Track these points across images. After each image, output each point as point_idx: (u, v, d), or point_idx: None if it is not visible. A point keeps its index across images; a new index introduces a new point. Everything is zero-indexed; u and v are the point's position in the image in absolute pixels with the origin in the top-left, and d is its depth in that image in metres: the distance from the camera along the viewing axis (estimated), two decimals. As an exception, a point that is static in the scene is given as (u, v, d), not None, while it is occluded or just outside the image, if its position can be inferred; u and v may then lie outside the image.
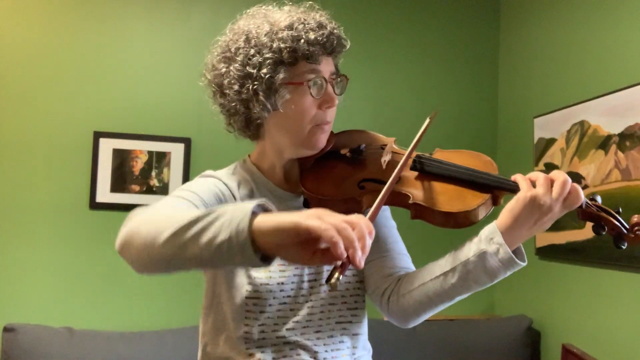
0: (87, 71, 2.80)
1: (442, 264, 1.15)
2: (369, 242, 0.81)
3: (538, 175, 1.07)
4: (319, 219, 0.79)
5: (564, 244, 2.59)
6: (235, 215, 0.83)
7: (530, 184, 1.07)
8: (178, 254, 0.88)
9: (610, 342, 2.35)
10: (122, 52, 2.85)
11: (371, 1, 3.15)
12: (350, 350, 1.21)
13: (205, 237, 0.84)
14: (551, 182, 1.06)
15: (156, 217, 0.94)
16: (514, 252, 1.09)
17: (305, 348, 1.17)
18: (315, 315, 1.18)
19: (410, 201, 1.15)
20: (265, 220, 0.81)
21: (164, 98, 2.87)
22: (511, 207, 1.07)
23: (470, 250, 1.11)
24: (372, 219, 0.96)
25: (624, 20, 2.38)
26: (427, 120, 1.21)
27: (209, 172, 1.24)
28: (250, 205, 0.84)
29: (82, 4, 2.82)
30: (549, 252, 2.73)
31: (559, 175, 1.05)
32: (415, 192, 1.16)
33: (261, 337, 1.15)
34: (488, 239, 1.09)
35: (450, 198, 1.14)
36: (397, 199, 1.16)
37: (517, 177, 1.10)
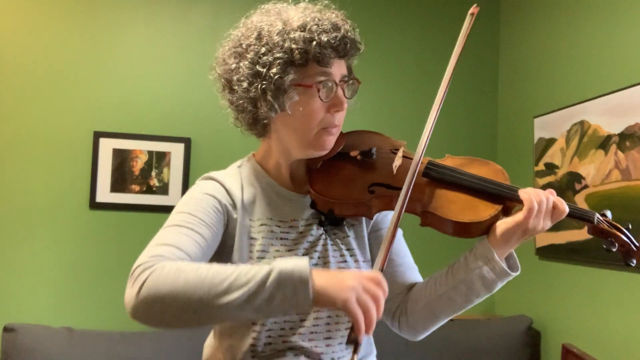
0: (87, 71, 2.80)
1: (443, 282, 1.19)
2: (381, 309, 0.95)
3: (540, 198, 1.10)
4: (359, 308, 0.92)
5: (564, 244, 2.58)
6: (296, 289, 0.92)
7: (533, 208, 1.09)
8: (224, 314, 0.93)
9: (610, 342, 2.35)
10: (122, 52, 2.85)
11: (370, 1, 3.15)
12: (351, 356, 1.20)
13: (257, 302, 0.92)
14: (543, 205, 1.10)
15: (190, 282, 0.92)
16: (508, 260, 1.16)
17: (309, 355, 1.14)
18: (322, 320, 1.16)
19: (422, 209, 1.14)
20: (323, 298, 0.93)
21: (164, 98, 2.87)
22: (506, 229, 1.11)
23: (467, 268, 1.15)
24: (394, 234, 1.07)
25: (624, 20, 2.38)
26: (469, 19, 1.17)
27: (211, 174, 1.21)
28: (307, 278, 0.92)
29: (82, 5, 2.81)
30: (549, 252, 2.72)
31: (544, 197, 1.10)
32: (427, 199, 1.15)
33: (267, 342, 1.13)
34: (484, 257, 1.13)
35: (462, 207, 1.13)
36: (408, 206, 1.13)
37: (524, 199, 1.11)
